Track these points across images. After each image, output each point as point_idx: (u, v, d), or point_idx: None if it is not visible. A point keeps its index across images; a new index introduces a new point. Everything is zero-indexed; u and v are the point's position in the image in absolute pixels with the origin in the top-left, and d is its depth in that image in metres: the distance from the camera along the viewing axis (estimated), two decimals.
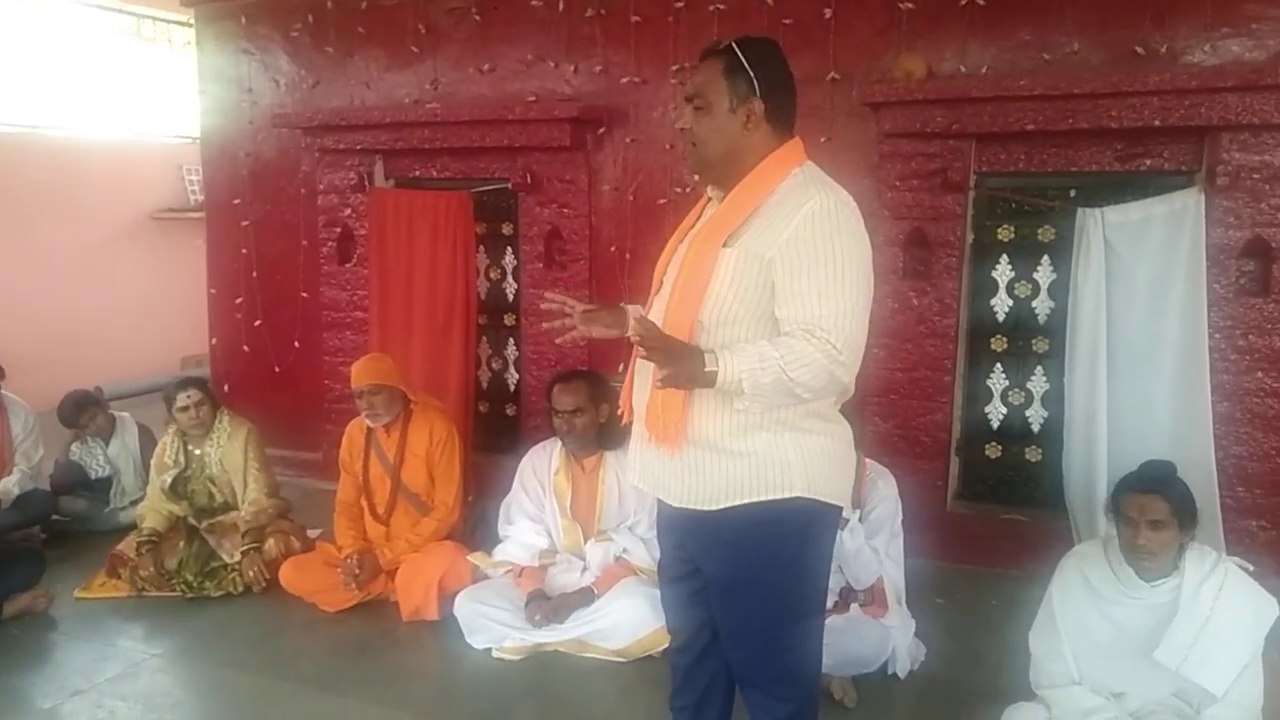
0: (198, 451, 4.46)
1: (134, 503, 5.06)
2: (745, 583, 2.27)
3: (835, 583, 3.44)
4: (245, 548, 4.23)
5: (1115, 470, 3.40)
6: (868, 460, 3.51)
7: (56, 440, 5.26)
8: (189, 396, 4.36)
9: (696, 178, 2.29)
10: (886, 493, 3.44)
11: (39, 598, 4.00)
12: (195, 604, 4.14)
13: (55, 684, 3.51)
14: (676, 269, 2.24)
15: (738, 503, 2.17)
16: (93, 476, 5.13)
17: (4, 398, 4.98)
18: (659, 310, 2.26)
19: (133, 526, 4.68)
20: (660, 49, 4.69)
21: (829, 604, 3.39)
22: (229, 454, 4.43)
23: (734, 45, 2.18)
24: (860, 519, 3.30)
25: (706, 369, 2.01)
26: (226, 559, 4.25)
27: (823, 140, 4.34)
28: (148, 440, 5.21)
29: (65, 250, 7.97)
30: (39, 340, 7.38)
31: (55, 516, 4.99)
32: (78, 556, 4.53)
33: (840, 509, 2.29)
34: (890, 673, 3.39)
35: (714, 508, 2.19)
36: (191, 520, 4.41)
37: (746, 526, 2.19)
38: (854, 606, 3.38)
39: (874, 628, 3.32)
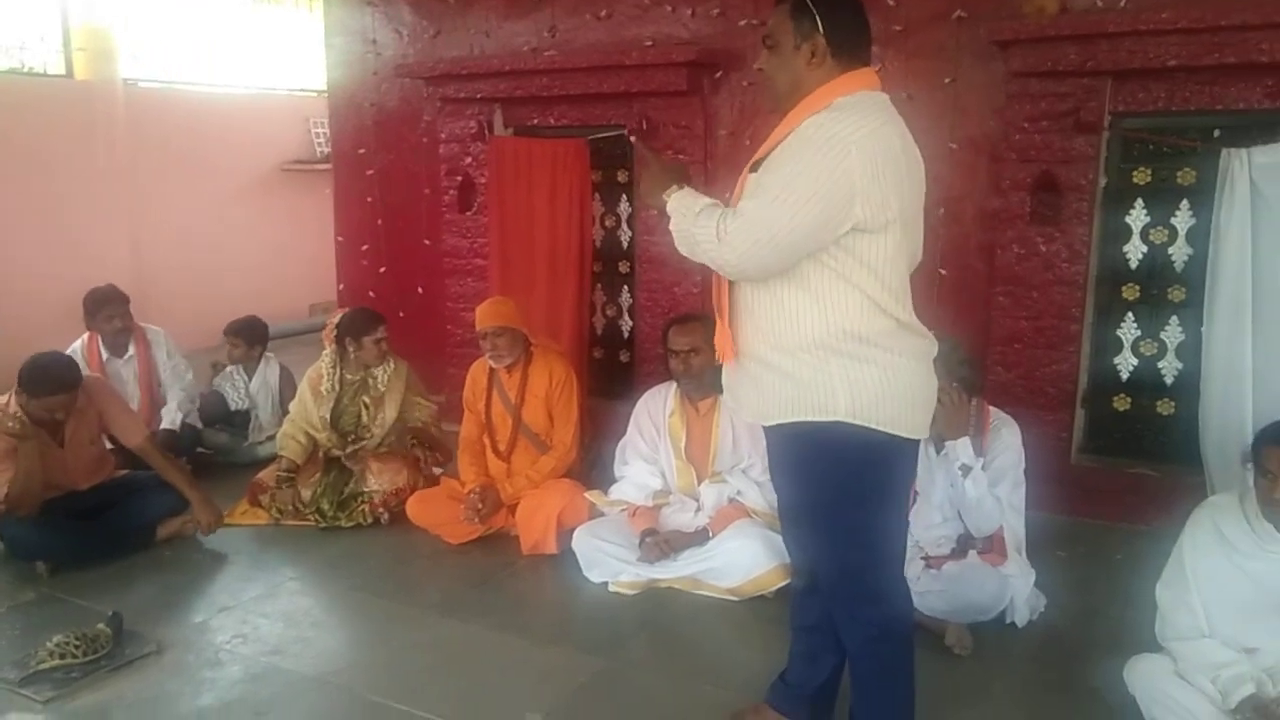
0: (353, 377, 4.64)
1: (270, 438, 5.35)
2: (807, 502, 2.41)
3: (952, 529, 3.42)
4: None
5: (1259, 422, 3.25)
6: (990, 408, 3.45)
7: (200, 378, 5.57)
8: (382, 330, 4.61)
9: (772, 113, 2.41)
10: (1010, 441, 3.38)
11: (187, 523, 4.27)
12: (328, 533, 4.37)
13: (205, 600, 3.77)
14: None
15: (788, 420, 2.29)
16: (231, 408, 5.44)
17: (143, 329, 5.27)
18: None
19: (269, 460, 4.96)
20: None
21: (946, 550, 3.39)
22: (394, 383, 4.64)
23: None
24: (983, 467, 3.25)
25: (663, 194, 2.34)
26: (367, 486, 4.48)
27: (947, 81, 4.22)
28: (287, 380, 5.50)
29: (201, 202, 8.37)
30: (180, 286, 7.82)
31: (199, 449, 5.31)
32: (220, 487, 4.79)
33: (903, 438, 2.29)
34: (1008, 622, 3.35)
35: (771, 422, 2.34)
36: (335, 450, 4.61)
37: (800, 446, 2.33)
38: (971, 554, 3.34)
39: (991, 576, 3.28)
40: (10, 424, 3.79)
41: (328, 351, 4.68)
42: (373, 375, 4.65)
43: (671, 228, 2.31)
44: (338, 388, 4.64)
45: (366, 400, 4.66)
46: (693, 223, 2.25)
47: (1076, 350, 4.32)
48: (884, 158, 2.15)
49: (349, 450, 4.59)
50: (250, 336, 5.48)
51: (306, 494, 4.49)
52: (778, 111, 2.36)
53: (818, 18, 2.24)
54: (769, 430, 2.40)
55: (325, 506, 4.44)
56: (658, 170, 2.40)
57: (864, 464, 2.29)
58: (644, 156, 2.45)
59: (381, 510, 4.42)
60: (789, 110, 2.30)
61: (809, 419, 2.25)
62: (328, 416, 4.61)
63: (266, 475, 4.59)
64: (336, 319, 4.70)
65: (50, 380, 3.83)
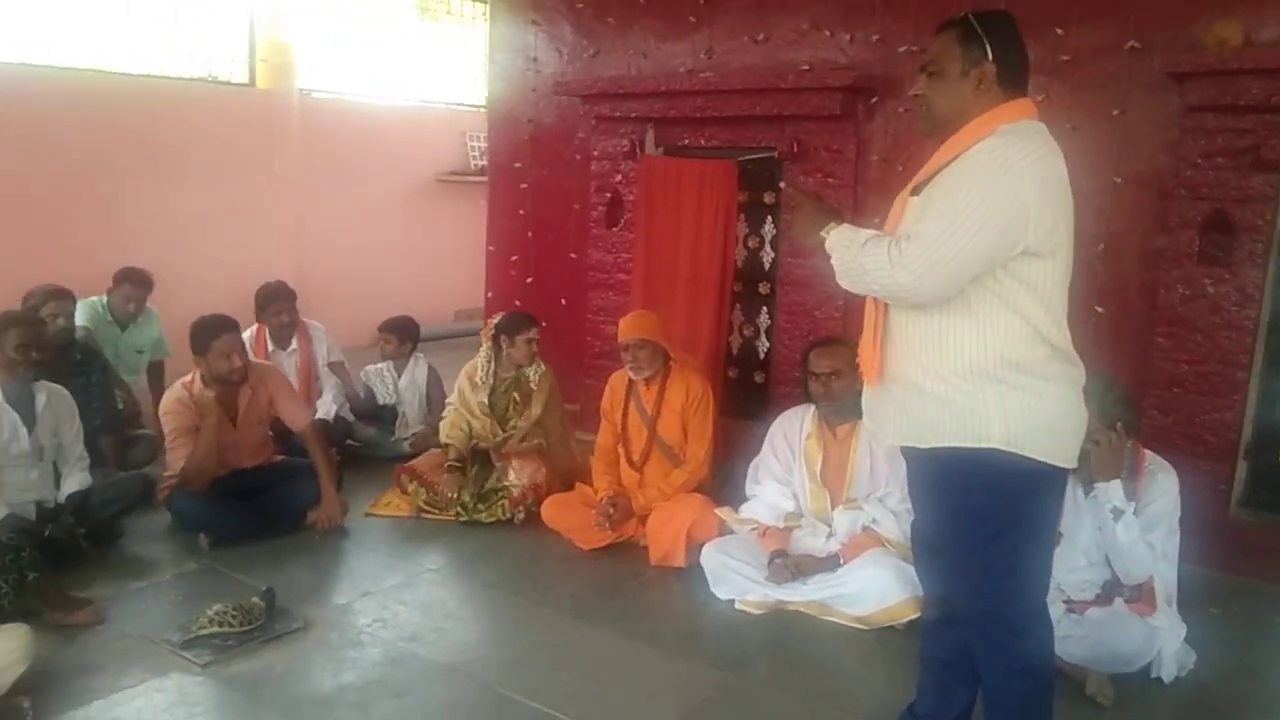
0: (505, 374, 4.89)
1: (415, 434, 5.59)
2: (949, 529, 2.37)
3: (1098, 575, 3.29)
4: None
5: None
6: (1146, 452, 3.32)
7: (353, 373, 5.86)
8: (534, 331, 4.87)
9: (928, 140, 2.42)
10: (1167, 486, 3.24)
11: (322, 512, 4.47)
12: (466, 529, 4.52)
13: (348, 584, 3.96)
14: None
15: (940, 445, 2.27)
16: (379, 402, 5.70)
17: (306, 324, 5.61)
18: None
19: (413, 455, 5.20)
20: (940, 17, 4.52)
21: (1090, 596, 3.27)
22: (542, 384, 4.88)
23: (969, 15, 2.32)
24: (1135, 512, 3.13)
25: (820, 232, 2.35)
26: (507, 480, 4.65)
27: (1115, 113, 4.08)
28: (435, 380, 5.74)
29: (363, 206, 8.81)
30: (338, 285, 8.23)
31: (349, 441, 5.58)
32: (367, 478, 5.05)
33: (1053, 467, 2.26)
34: (1154, 676, 3.20)
35: (923, 446, 2.32)
36: (485, 441, 4.82)
37: (945, 471, 2.31)
38: (1118, 600, 3.21)
39: (1138, 625, 3.15)
40: (200, 399, 4.16)
41: (484, 348, 4.90)
42: (524, 374, 4.86)
43: (835, 262, 2.32)
44: (491, 380, 4.86)
45: (516, 396, 4.87)
46: (859, 253, 2.25)
47: (1242, 399, 4.10)
48: (1054, 183, 2.18)
49: (497, 440, 4.79)
50: (403, 334, 5.74)
51: (453, 490, 4.66)
52: (934, 138, 2.37)
53: (987, 45, 2.26)
54: (913, 454, 2.39)
55: (467, 499, 4.61)
56: (812, 211, 2.42)
57: (1015, 492, 2.27)
58: (797, 199, 2.49)
59: (519, 507, 4.55)
60: (949, 136, 2.31)
61: (961, 445, 2.24)
62: (485, 402, 4.83)
63: (420, 463, 4.79)
64: (496, 320, 4.93)
65: (216, 323, 4.19)
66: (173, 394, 4.33)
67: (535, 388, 4.85)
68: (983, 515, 2.30)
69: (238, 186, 7.92)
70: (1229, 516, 4.16)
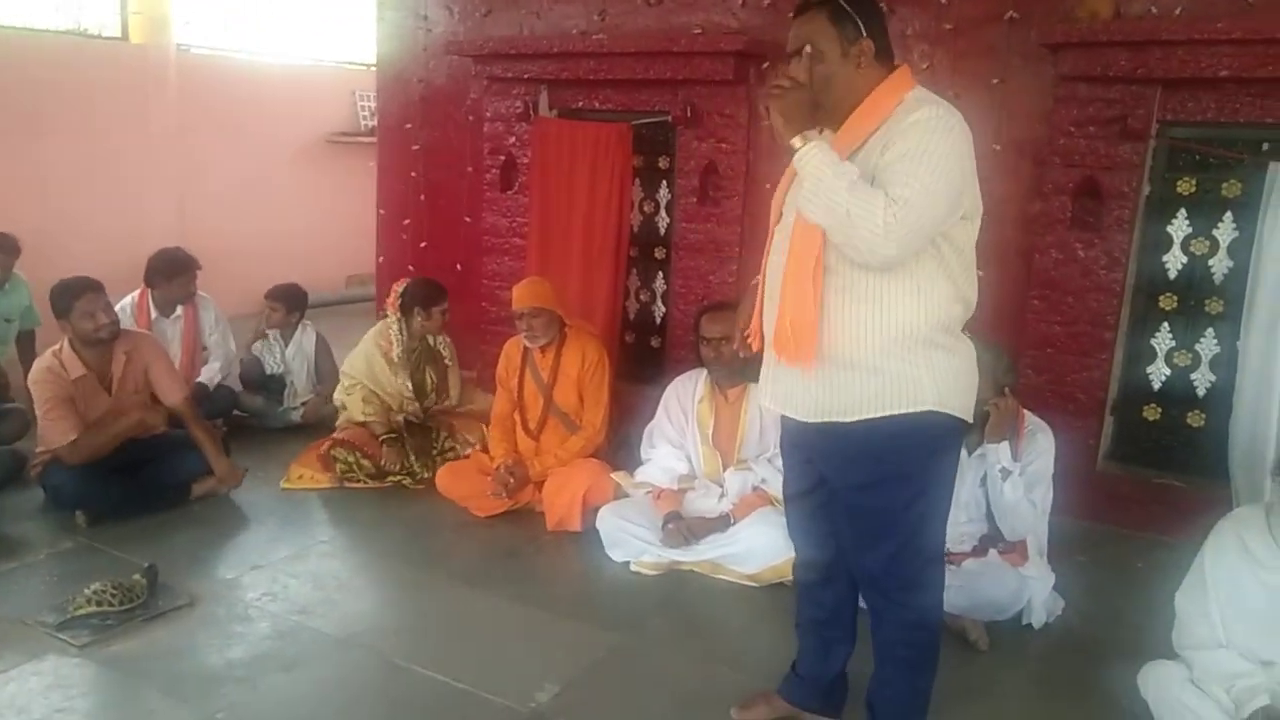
0: (414, 345, 4.82)
1: (304, 404, 5.47)
2: (876, 492, 2.36)
3: (975, 529, 3.44)
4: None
5: None
6: (1026, 412, 3.47)
7: (240, 343, 5.68)
8: (446, 302, 4.80)
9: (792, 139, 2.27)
10: (1045, 446, 3.40)
11: (220, 482, 4.37)
12: (357, 501, 4.46)
13: (235, 558, 3.87)
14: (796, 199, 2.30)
15: (873, 415, 2.26)
16: (266, 372, 5.55)
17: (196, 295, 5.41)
18: (781, 243, 2.33)
19: (302, 425, 5.12)
20: None
21: (968, 548, 3.41)
22: (451, 353, 4.91)
23: None
24: (1019, 472, 3.27)
25: (791, 140, 2.18)
26: (457, 444, 4.71)
27: (995, 82, 4.21)
28: (323, 348, 5.61)
29: (248, 168, 8.49)
30: (224, 251, 7.90)
31: (236, 411, 5.43)
32: (253, 449, 4.92)
33: (966, 422, 2.35)
34: (1025, 622, 3.38)
35: (850, 419, 2.28)
36: (413, 415, 4.80)
37: (880, 438, 2.28)
38: (992, 552, 3.37)
39: (1011, 575, 3.31)
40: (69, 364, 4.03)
41: (394, 319, 4.79)
42: (432, 344, 4.84)
43: (810, 180, 2.13)
44: (408, 356, 4.78)
45: (432, 369, 4.86)
46: (847, 192, 2.09)
47: (1109, 358, 4.31)
48: (970, 146, 2.23)
49: (431, 410, 4.82)
50: (290, 302, 5.57)
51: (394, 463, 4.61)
52: (820, 124, 2.32)
53: (859, 22, 2.26)
54: (828, 427, 2.31)
55: (416, 466, 4.59)
56: (800, 98, 2.20)
57: (937, 450, 2.35)
58: (781, 82, 2.22)
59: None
60: (832, 119, 2.30)
61: (897, 411, 2.25)
62: (409, 385, 4.77)
63: (351, 435, 4.65)
64: (401, 287, 4.82)
65: (77, 284, 4.08)
66: (42, 363, 4.13)
67: (449, 362, 4.82)
68: (909, 476, 2.34)
69: (111, 147, 7.54)
70: (1096, 470, 4.39)
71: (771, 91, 2.23)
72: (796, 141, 2.17)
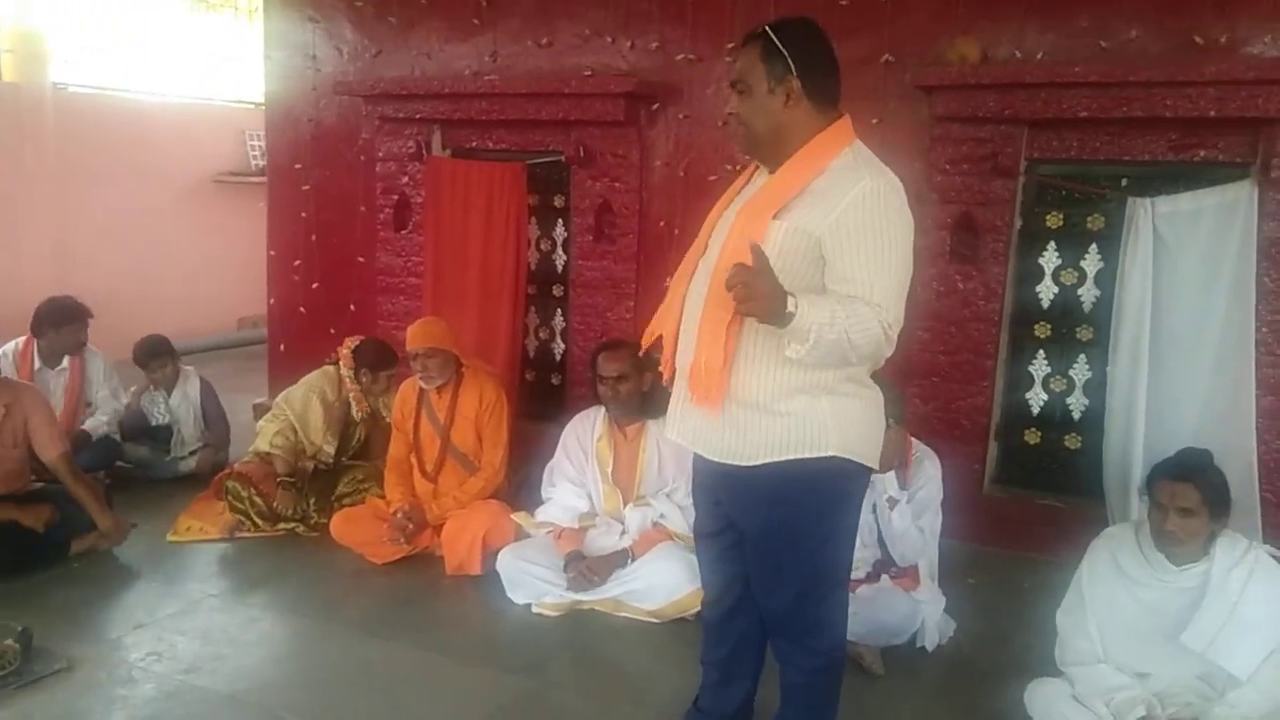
0: (364, 411, 4.81)
1: (193, 453, 5.29)
2: (780, 536, 2.37)
3: (869, 555, 3.52)
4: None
5: (1151, 458, 3.41)
6: (914, 440, 3.58)
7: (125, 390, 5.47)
8: (396, 366, 4.75)
9: (746, 157, 2.41)
10: (932, 473, 3.50)
11: (101, 539, 4.18)
12: (250, 551, 4.32)
13: (119, 617, 3.71)
14: (724, 235, 2.32)
15: (776, 459, 2.28)
16: (152, 423, 5.34)
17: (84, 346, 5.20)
18: (704, 273, 2.34)
19: (190, 475, 4.96)
20: (717, 27, 4.74)
21: (861, 574, 3.49)
22: (384, 413, 4.81)
23: (767, 29, 2.29)
24: (907, 500, 3.37)
25: (786, 309, 2.08)
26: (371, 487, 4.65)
27: (874, 122, 4.37)
28: (209, 394, 5.43)
29: (131, 210, 8.22)
30: (106, 295, 7.56)
31: (119, 463, 5.21)
32: (140, 502, 4.72)
33: (870, 469, 2.39)
34: (918, 646, 3.46)
35: (753, 463, 2.29)
36: (321, 463, 4.72)
37: (783, 482, 2.29)
38: (884, 578, 3.45)
39: (903, 600, 3.39)
40: None
41: (347, 372, 4.72)
42: (385, 405, 4.75)
43: (812, 341, 2.09)
44: (345, 412, 4.75)
45: (361, 429, 4.85)
46: (846, 329, 2.09)
47: (991, 385, 4.49)
48: None
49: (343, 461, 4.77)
50: (169, 354, 5.36)
51: (287, 509, 4.48)
52: (754, 155, 2.38)
53: (789, 59, 2.24)
54: (733, 469, 2.32)
55: (310, 511, 4.50)
56: (773, 282, 2.09)
57: (843, 496, 2.38)
58: (748, 277, 2.07)
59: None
60: (766, 155, 2.33)
61: (800, 455, 2.26)
62: (334, 442, 4.71)
63: (250, 469, 4.53)
64: (354, 345, 4.76)
65: None
66: None
67: (388, 419, 4.70)
68: (814, 520, 2.36)
69: None
70: (983, 493, 4.55)
71: (738, 302, 2.09)
72: (790, 310, 2.07)
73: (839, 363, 2.19)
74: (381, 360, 4.73)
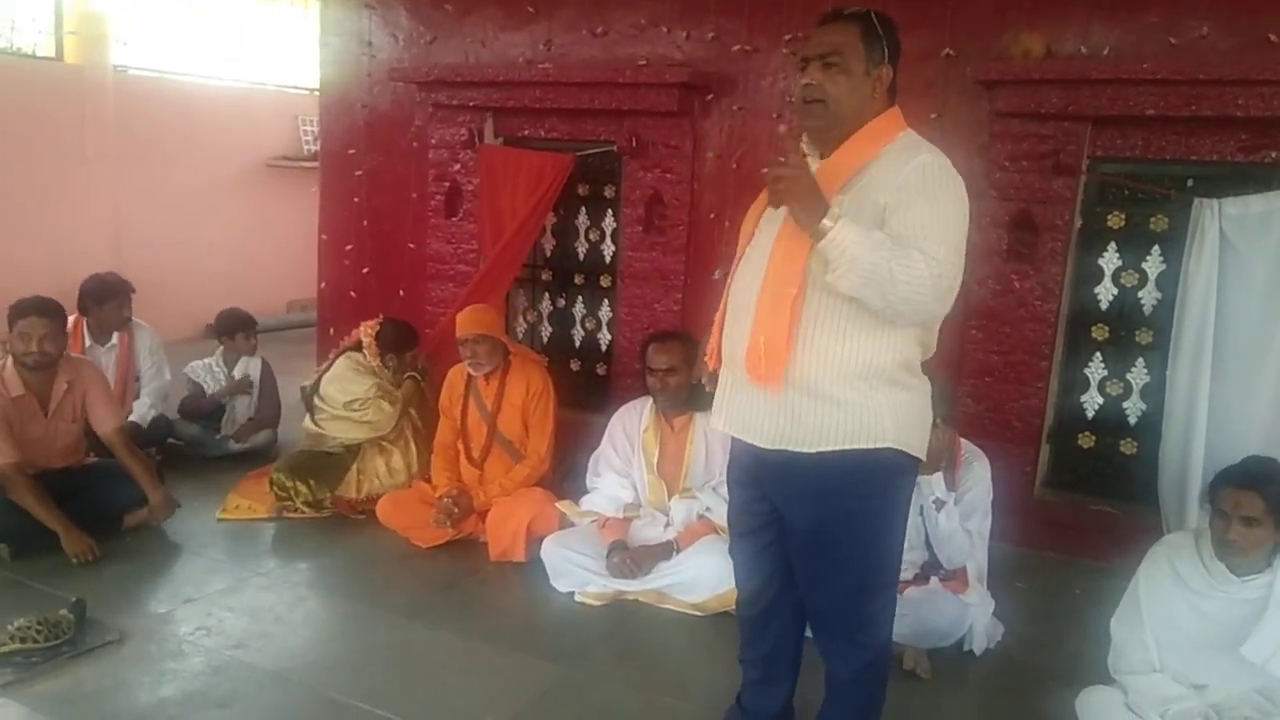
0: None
1: (240, 428, 5.35)
2: (833, 530, 2.33)
3: (916, 557, 3.47)
4: None
5: (1212, 466, 3.34)
6: (963, 441, 3.52)
7: (176, 369, 5.55)
8: (416, 349, 4.89)
9: (804, 138, 2.34)
10: (981, 474, 3.45)
11: (153, 512, 4.25)
12: (296, 532, 4.37)
13: (168, 591, 3.76)
14: (781, 220, 2.26)
15: (833, 448, 2.24)
16: (207, 392, 5.42)
17: (132, 321, 5.28)
18: (757, 262, 2.30)
19: (241, 454, 5.03)
20: (773, 18, 4.69)
21: (909, 576, 3.45)
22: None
23: (870, 12, 2.29)
24: (955, 501, 3.32)
25: (825, 215, 2.08)
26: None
27: (933, 117, 4.30)
28: (268, 374, 5.51)
29: (186, 192, 8.35)
30: (162, 275, 7.77)
31: (171, 440, 5.29)
32: (191, 478, 4.81)
33: (921, 460, 2.37)
34: (966, 649, 3.41)
35: (809, 450, 2.25)
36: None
37: (837, 474, 2.26)
38: (933, 579, 3.40)
39: (952, 602, 3.35)
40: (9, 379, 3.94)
41: (377, 364, 4.76)
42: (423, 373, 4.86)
43: (851, 259, 2.07)
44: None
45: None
46: (890, 260, 2.06)
47: (1045, 386, 4.41)
48: None
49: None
50: (225, 328, 5.47)
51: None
52: (820, 132, 2.31)
53: (886, 48, 2.27)
54: (787, 457, 2.28)
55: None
56: (811, 184, 2.13)
57: (897, 489, 2.35)
58: (787, 171, 2.14)
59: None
60: (832, 136, 2.28)
61: (857, 446, 2.23)
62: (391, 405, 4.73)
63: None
64: (374, 331, 4.78)
65: (27, 304, 3.99)
66: None
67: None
68: (864, 513, 2.32)
69: (44, 171, 7.38)
70: (1034, 496, 4.47)
71: (775, 186, 2.15)
72: (827, 223, 2.08)
73: (879, 299, 2.10)
74: (404, 340, 4.78)
